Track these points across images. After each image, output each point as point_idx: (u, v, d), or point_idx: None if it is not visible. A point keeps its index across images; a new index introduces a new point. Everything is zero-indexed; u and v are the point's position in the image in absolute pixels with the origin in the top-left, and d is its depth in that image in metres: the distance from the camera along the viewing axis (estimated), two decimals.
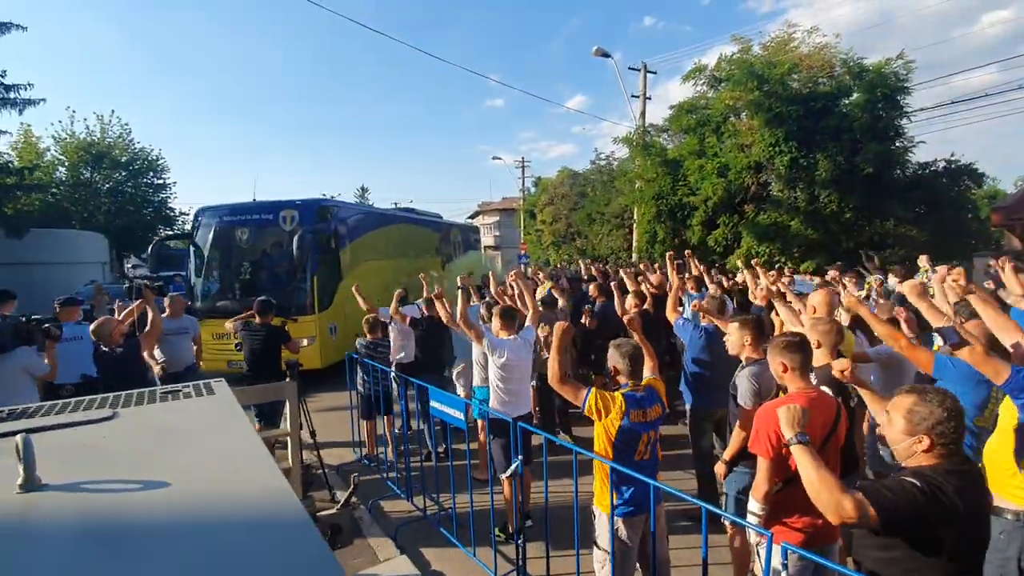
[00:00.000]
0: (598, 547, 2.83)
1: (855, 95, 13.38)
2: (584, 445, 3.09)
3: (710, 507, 2.34)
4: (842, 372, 2.56)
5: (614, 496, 2.71)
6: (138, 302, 4.92)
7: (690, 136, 15.87)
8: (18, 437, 1.07)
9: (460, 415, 3.82)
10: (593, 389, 2.79)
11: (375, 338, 5.71)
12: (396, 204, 19.95)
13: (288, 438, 2.96)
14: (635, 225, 18.14)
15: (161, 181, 26.57)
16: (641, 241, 17.51)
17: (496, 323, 4.26)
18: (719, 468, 3.17)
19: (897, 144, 13.34)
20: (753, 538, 2.60)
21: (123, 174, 25.35)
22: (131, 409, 1.63)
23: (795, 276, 9.54)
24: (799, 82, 13.89)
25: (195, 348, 5.98)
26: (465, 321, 4.12)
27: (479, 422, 4.51)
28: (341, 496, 3.13)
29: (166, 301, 5.81)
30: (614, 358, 2.86)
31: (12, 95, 17.25)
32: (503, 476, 3.78)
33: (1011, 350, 2.61)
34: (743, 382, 3.12)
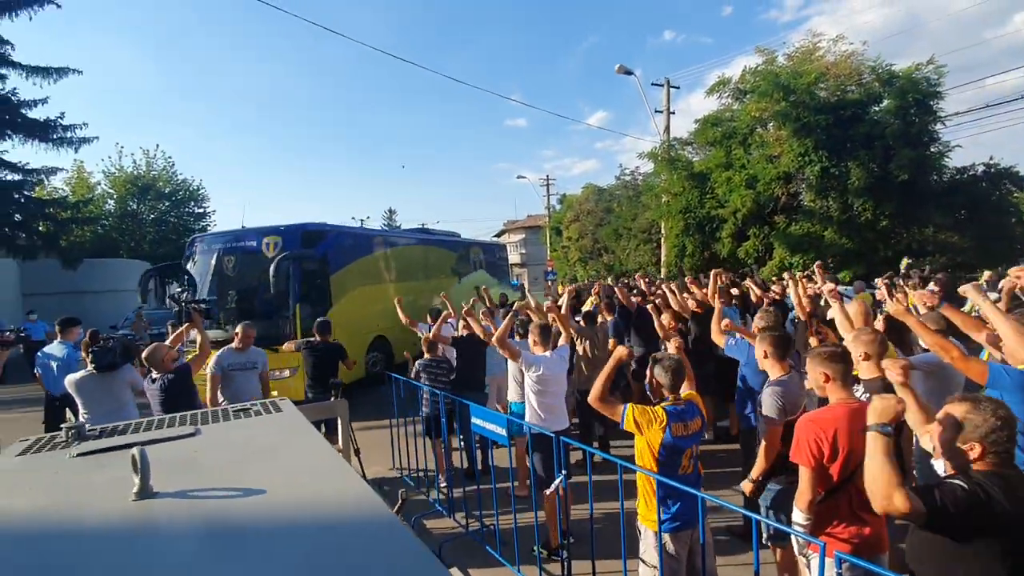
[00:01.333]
0: (645, 564, 2.84)
1: (886, 102, 13.18)
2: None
3: (759, 517, 2.35)
4: (901, 370, 2.45)
5: (660, 511, 2.73)
6: (186, 325, 5.08)
7: (716, 149, 15.82)
8: (135, 450, 1.20)
9: (502, 431, 3.89)
10: (630, 404, 2.83)
11: (434, 356, 5.62)
12: (423, 224, 20.04)
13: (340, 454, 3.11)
14: (663, 239, 18.07)
15: (202, 210, 27.77)
16: (670, 255, 17.42)
17: (532, 339, 4.35)
18: (746, 487, 3.13)
19: (932, 149, 13.05)
20: (798, 548, 2.59)
21: (166, 204, 26.60)
22: (210, 426, 1.78)
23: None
24: (827, 91, 13.76)
25: (262, 385, 5.16)
26: (501, 341, 4.22)
27: (519, 438, 4.57)
28: None
29: (236, 331, 5.15)
30: (657, 372, 2.91)
31: (69, 135, 18.39)
32: (546, 491, 3.82)
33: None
34: (768, 399, 3.10)
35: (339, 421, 3.03)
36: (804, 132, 13.20)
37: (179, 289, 5.89)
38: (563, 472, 3.38)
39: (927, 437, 2.10)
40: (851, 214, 13.02)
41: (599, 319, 6.12)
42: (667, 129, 17.92)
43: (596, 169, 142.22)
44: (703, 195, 15.77)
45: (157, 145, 30.61)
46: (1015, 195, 13.96)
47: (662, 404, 2.83)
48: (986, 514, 1.72)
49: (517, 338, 5.23)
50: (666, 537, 2.73)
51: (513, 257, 46.70)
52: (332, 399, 3.86)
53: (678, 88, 19.04)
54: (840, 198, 13.09)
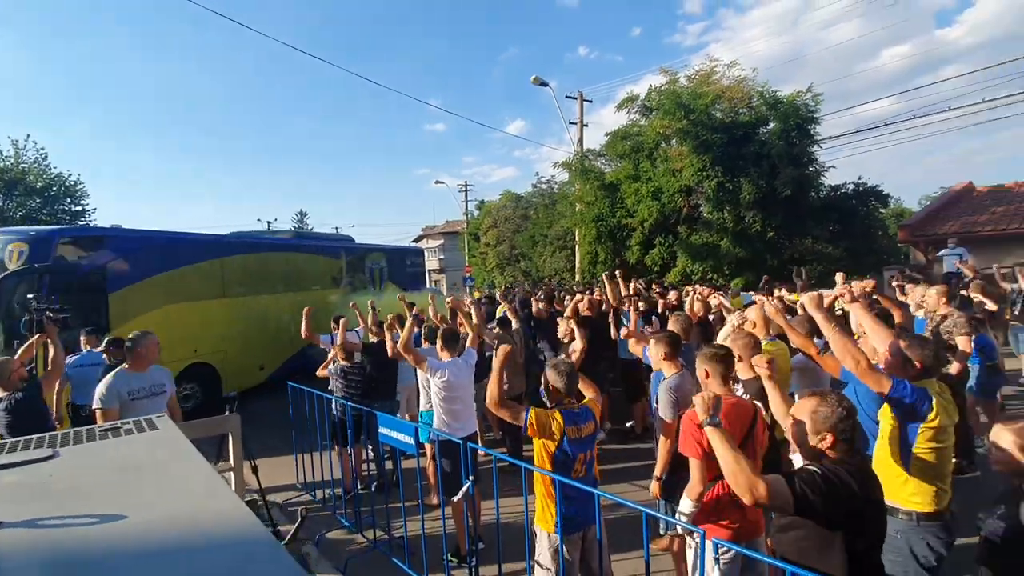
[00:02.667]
0: (540, 566, 2.90)
1: (772, 124, 14.56)
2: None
3: (648, 511, 2.50)
4: (767, 365, 2.73)
5: (551, 514, 2.81)
6: (37, 336, 4.40)
7: (625, 161, 16.66)
8: None
9: (410, 440, 3.85)
10: (532, 408, 2.91)
11: (352, 363, 5.39)
12: (337, 229, 19.25)
13: (232, 472, 2.92)
14: (577, 247, 18.71)
15: (80, 208, 24.99)
16: (584, 262, 18.06)
17: (438, 344, 4.35)
18: (653, 487, 3.33)
19: (811, 169, 14.57)
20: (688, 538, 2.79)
21: (37, 201, 23.66)
22: (71, 448, 1.61)
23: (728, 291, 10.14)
24: (722, 112, 14.95)
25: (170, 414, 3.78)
26: (405, 347, 4.18)
27: (427, 446, 4.54)
28: (286, 532, 3.08)
29: (134, 345, 4.00)
30: (551, 377, 3.00)
31: None
32: (453, 499, 3.82)
33: (878, 356, 2.90)
34: (662, 395, 3.32)
35: (230, 437, 2.85)
36: (702, 149, 14.25)
37: (31, 295, 4.90)
38: (470, 478, 3.41)
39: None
40: (743, 226, 14.21)
41: (513, 324, 6.23)
42: (581, 140, 18.62)
43: (514, 177, 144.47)
44: (614, 205, 16.53)
45: (28, 135, 27.20)
46: (880, 211, 15.95)
47: (558, 408, 2.93)
48: (843, 497, 1.91)
49: (425, 344, 5.20)
50: (559, 539, 2.81)
51: (431, 263, 46.21)
52: (228, 413, 3.62)
53: (591, 102, 19.86)
54: (734, 211, 14.26)
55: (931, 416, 2.49)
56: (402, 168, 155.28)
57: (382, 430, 4.04)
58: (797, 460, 2.34)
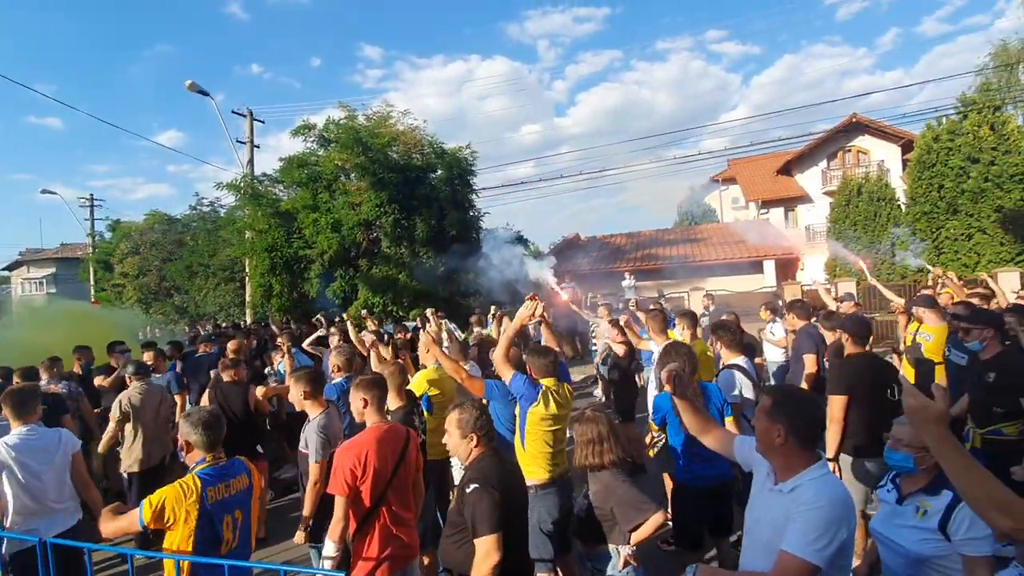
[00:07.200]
0: None
1: (439, 171, 16.20)
2: None
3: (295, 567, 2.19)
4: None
5: None
6: None
7: (303, 190, 15.92)
8: None
9: None
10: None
11: None
12: None
13: None
14: (248, 279, 16.76)
15: None
16: (256, 295, 16.27)
17: None
18: (298, 536, 3.11)
19: (471, 213, 16.74)
20: None
21: None
22: None
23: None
24: (397, 154, 15.88)
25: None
26: None
27: None
28: None
29: None
30: (185, 431, 2.43)
31: None
32: None
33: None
34: (312, 436, 3.13)
35: None
36: (380, 186, 14.77)
37: None
38: None
39: None
40: (419, 260, 15.23)
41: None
42: (251, 162, 16.99)
43: (169, 195, 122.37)
44: (290, 234, 15.51)
45: None
46: (525, 253, 19.48)
47: (194, 470, 2.37)
48: (492, 491, 2.20)
49: None
50: None
51: (39, 298, 34.84)
52: None
53: (263, 122, 18.45)
54: (410, 246, 15.16)
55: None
56: None
57: None
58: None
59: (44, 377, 5.15)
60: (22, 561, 2.88)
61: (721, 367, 4.07)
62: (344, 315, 13.55)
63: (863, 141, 24.38)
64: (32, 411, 3.19)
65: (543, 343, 3.76)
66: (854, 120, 23.27)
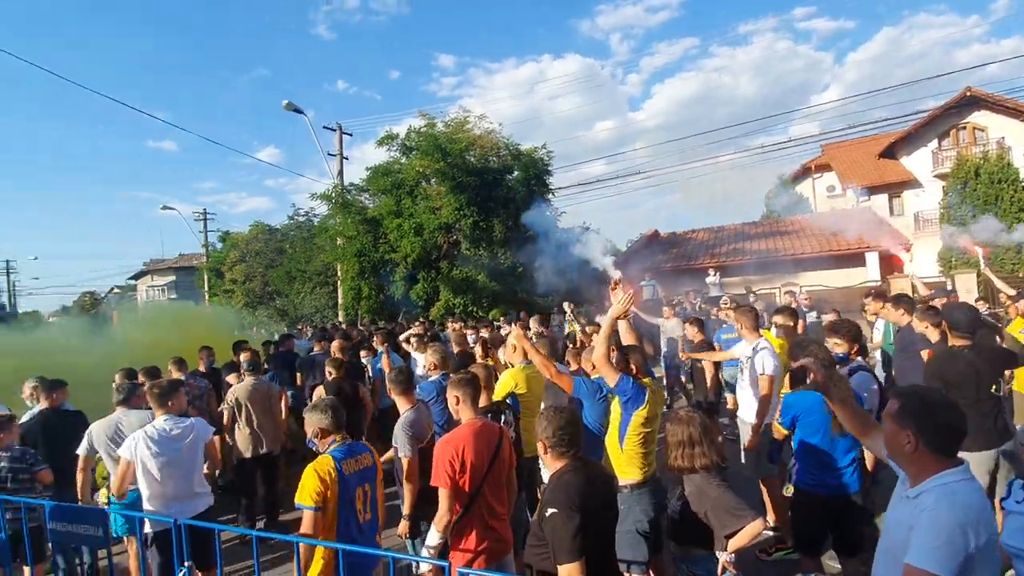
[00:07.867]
0: None
1: (516, 173, 16.38)
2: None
3: (397, 555, 2.34)
4: None
5: None
6: None
7: (387, 197, 16.71)
8: None
9: (98, 531, 2.95)
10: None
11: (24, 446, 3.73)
12: (8, 264, 14.77)
13: None
14: (339, 282, 17.85)
15: None
16: (347, 298, 17.30)
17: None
18: (402, 527, 3.22)
19: (548, 214, 16.77)
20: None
21: None
22: None
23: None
24: (475, 157, 16.25)
25: None
26: None
27: (126, 538, 3.52)
28: None
29: None
30: (314, 419, 2.68)
31: None
32: None
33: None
34: (399, 432, 3.27)
35: None
36: (459, 190, 15.20)
37: None
38: (186, 565, 2.74)
39: None
40: (497, 261, 15.51)
41: None
42: (340, 173, 18.06)
43: (269, 208, 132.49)
44: (377, 239, 16.35)
45: None
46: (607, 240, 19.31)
47: (327, 450, 2.62)
48: (573, 514, 2.16)
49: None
50: None
51: (162, 304, 38.84)
52: None
53: (351, 135, 19.57)
54: (489, 248, 15.47)
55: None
56: (113, 189, 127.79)
57: (53, 526, 3.02)
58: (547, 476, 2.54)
59: (176, 375, 5.76)
60: (163, 539, 3.27)
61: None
62: (427, 315, 14.12)
63: (979, 117, 21.66)
64: (174, 401, 3.59)
65: (623, 341, 3.64)
66: (968, 94, 20.71)
